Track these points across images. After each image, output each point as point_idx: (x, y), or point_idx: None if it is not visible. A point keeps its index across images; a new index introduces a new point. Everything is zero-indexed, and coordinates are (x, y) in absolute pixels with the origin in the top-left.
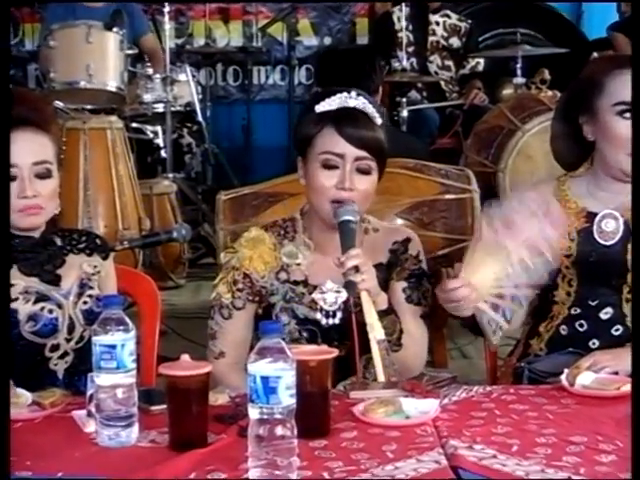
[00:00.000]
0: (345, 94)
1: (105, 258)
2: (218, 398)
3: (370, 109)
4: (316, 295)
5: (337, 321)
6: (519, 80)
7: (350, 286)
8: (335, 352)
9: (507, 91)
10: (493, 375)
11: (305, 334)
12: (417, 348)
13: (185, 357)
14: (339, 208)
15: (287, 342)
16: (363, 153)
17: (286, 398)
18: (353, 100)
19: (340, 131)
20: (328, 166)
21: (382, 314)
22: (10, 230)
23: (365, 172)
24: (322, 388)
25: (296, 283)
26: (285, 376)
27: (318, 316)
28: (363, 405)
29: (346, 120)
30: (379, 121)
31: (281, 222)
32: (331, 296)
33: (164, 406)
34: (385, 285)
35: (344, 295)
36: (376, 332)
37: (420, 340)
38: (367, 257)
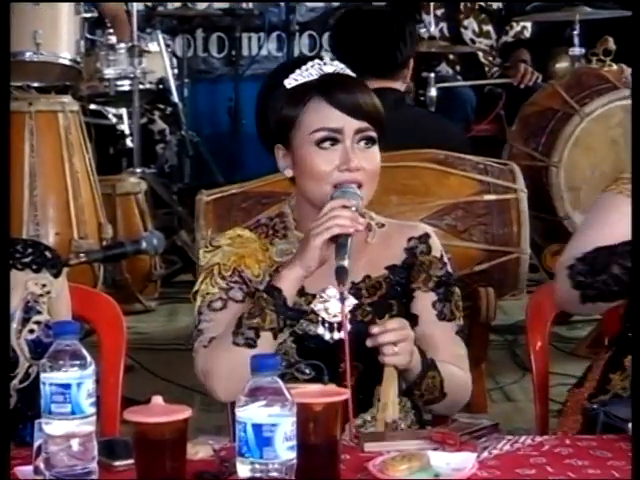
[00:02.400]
0: (317, 61)
1: (56, 275)
2: (199, 451)
3: (350, 72)
4: (316, 305)
5: (343, 335)
6: (576, 51)
7: (341, 272)
8: (346, 393)
9: (561, 65)
10: (544, 422)
11: (305, 353)
12: (461, 382)
13: (157, 399)
14: (334, 192)
15: (283, 366)
16: (364, 124)
17: (284, 451)
18: (329, 66)
19: (332, 101)
20: (325, 145)
21: (419, 380)
22: None
23: (368, 145)
24: (329, 438)
25: None
26: (283, 423)
27: (320, 330)
28: (381, 460)
29: (335, 87)
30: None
31: (266, 220)
32: (335, 305)
33: (131, 461)
34: (402, 291)
35: (351, 302)
36: (388, 414)
37: (461, 371)
38: (377, 259)
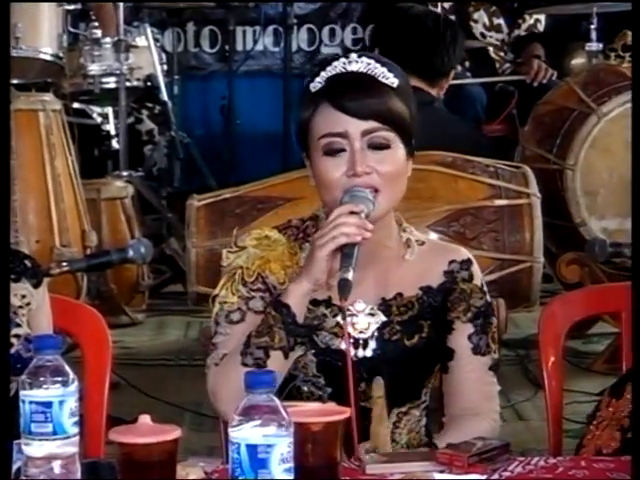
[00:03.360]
0: (342, 59)
1: (37, 285)
2: (189, 473)
3: (378, 70)
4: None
5: (368, 353)
6: (594, 46)
7: (343, 286)
8: (347, 412)
9: (577, 61)
10: (558, 442)
11: (324, 368)
12: (489, 422)
13: (144, 419)
14: (343, 196)
15: (301, 380)
16: (372, 124)
17: (280, 474)
18: (353, 64)
19: (336, 104)
20: (332, 152)
21: None
22: None
23: (382, 147)
24: (329, 460)
25: (316, 303)
26: (279, 444)
27: (344, 345)
28: None
29: (343, 89)
30: (394, 82)
31: (298, 223)
32: (362, 320)
33: None
34: (434, 314)
35: (380, 319)
36: (379, 446)
37: (490, 410)
38: (413, 277)
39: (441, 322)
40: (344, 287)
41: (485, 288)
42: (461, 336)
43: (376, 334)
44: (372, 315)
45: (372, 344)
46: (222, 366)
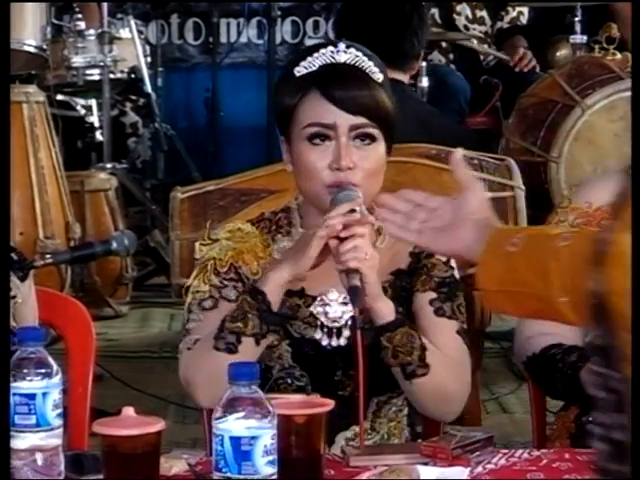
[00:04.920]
0: (331, 48)
1: (23, 279)
2: (173, 465)
3: (366, 63)
4: (316, 308)
5: (343, 342)
6: (578, 39)
7: (355, 293)
8: (330, 404)
9: (561, 53)
10: (541, 434)
11: (300, 358)
12: (454, 368)
13: (128, 411)
14: (336, 194)
15: (277, 370)
16: (361, 119)
17: (264, 466)
18: (342, 54)
19: (327, 94)
20: (316, 142)
21: (391, 327)
22: None
23: (367, 142)
24: (312, 452)
25: (290, 293)
26: (262, 436)
27: (318, 335)
28: (368, 475)
29: (334, 80)
30: (379, 77)
31: (270, 215)
32: (336, 309)
33: (100, 477)
34: (407, 297)
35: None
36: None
37: (457, 357)
38: (384, 264)
39: (411, 305)
40: (355, 295)
41: (452, 264)
42: (421, 303)
43: (350, 323)
44: (345, 304)
45: (346, 332)
46: (194, 351)
